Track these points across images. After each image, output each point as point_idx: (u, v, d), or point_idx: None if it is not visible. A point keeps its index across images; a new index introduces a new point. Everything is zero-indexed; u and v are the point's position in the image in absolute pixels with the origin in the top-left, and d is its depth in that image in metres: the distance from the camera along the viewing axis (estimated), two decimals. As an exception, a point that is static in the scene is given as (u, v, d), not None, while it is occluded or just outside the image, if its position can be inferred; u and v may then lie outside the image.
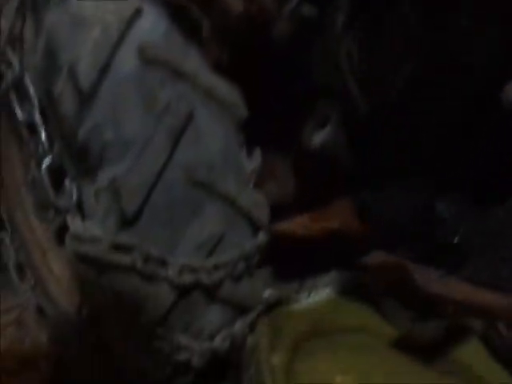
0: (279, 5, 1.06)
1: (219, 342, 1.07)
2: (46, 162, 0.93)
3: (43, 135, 0.93)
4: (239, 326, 1.11)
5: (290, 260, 1.66)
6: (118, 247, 0.92)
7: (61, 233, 1.39)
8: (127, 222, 0.91)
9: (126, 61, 0.91)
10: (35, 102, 0.94)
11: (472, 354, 1.10)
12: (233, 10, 1.03)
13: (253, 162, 1.12)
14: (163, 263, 0.93)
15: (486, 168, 1.04)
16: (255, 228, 1.07)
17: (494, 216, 1.03)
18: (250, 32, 1.06)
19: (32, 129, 0.96)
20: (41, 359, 1.48)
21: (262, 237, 1.08)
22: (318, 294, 1.36)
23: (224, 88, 1.00)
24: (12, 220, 1.40)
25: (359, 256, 1.71)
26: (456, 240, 1.06)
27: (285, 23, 1.09)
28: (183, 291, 0.97)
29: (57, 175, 0.95)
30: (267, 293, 1.26)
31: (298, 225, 2.08)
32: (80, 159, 0.92)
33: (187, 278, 0.94)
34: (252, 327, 1.17)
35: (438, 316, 1.17)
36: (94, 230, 0.93)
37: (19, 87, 0.96)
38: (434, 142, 1.06)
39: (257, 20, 1.06)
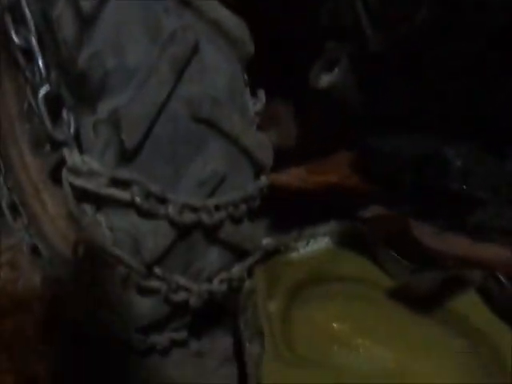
0: None
1: (217, 285, 1.06)
2: (43, 90, 0.88)
3: (40, 62, 0.89)
4: (237, 269, 1.10)
5: (289, 210, 1.66)
6: (117, 182, 0.90)
7: (56, 171, 1.36)
8: (127, 156, 0.88)
9: (130, -16, 0.86)
10: (32, 26, 0.89)
11: (469, 304, 1.11)
12: None
13: (257, 104, 1.08)
14: (163, 200, 0.91)
15: (497, 116, 1.01)
16: (258, 170, 1.05)
17: (503, 165, 1.01)
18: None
19: (28, 55, 0.91)
20: (34, 300, 1.47)
21: (264, 180, 1.06)
22: (317, 244, 1.36)
23: (231, 21, 0.96)
24: (6, 158, 1.37)
25: (358, 209, 1.71)
26: (464, 188, 1.05)
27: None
28: (183, 230, 0.95)
29: (54, 105, 0.91)
30: (266, 241, 1.26)
31: (294, 177, 2.08)
32: (79, 88, 0.88)
33: (188, 217, 0.92)
34: (250, 272, 1.17)
35: (437, 268, 1.16)
36: (92, 163, 0.90)
37: (15, 10, 0.90)
38: (445, 87, 1.03)
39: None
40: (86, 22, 0.83)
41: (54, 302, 1.37)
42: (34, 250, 1.41)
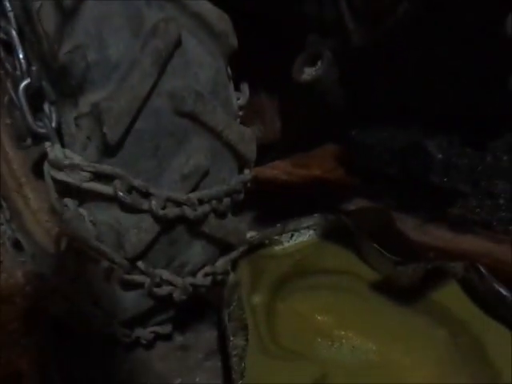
0: None
1: (201, 278, 1.06)
2: (24, 83, 0.87)
3: (21, 55, 0.87)
4: (221, 263, 1.10)
5: (274, 203, 1.66)
6: (99, 176, 0.89)
7: (39, 165, 1.35)
8: (109, 150, 0.87)
9: (111, -23, 0.85)
10: (12, 18, 0.87)
11: (450, 295, 1.13)
12: None
13: (241, 98, 1.08)
14: (146, 194, 0.90)
15: (478, 110, 1.02)
16: (241, 164, 1.05)
17: (483, 157, 1.03)
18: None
19: (9, 48, 0.89)
20: (16, 295, 1.46)
21: (247, 173, 1.06)
22: (301, 237, 1.37)
23: (214, 15, 0.95)
24: (-13, 152, 1.35)
25: (342, 202, 1.72)
26: (445, 180, 1.06)
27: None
28: (166, 225, 0.94)
29: (35, 99, 0.90)
30: (250, 234, 1.26)
31: (279, 170, 2.09)
32: (60, 82, 0.87)
33: (171, 211, 0.92)
34: (234, 266, 1.17)
35: (419, 260, 1.18)
36: (74, 157, 0.89)
37: (-6, 2, 0.89)
38: (427, 80, 1.04)
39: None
40: (67, 15, 0.82)
41: (36, 296, 1.37)
42: (17, 245, 1.40)
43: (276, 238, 1.34)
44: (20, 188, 1.35)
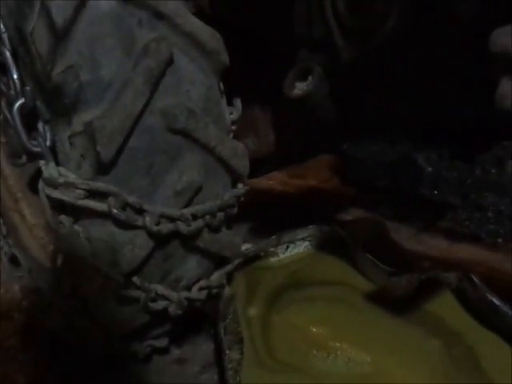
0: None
1: (196, 292, 1.07)
2: (18, 103, 0.89)
3: (15, 75, 0.89)
4: (216, 277, 1.11)
5: (269, 215, 1.67)
6: (93, 193, 0.90)
7: (34, 181, 1.36)
8: (103, 167, 0.88)
9: (103, -2, 0.86)
10: (5, 39, 0.89)
11: (444, 305, 1.13)
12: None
13: (234, 113, 1.09)
14: (140, 211, 0.91)
15: (466, 124, 1.04)
16: (234, 178, 1.06)
17: (473, 169, 1.04)
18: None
19: (2, 68, 0.91)
20: (14, 310, 1.47)
21: (241, 188, 1.07)
22: (296, 248, 1.37)
23: (205, 33, 0.96)
24: (-17, 168, 1.36)
25: (337, 212, 1.73)
26: (435, 193, 1.07)
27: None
28: (161, 240, 0.95)
29: (29, 118, 0.91)
30: (245, 246, 1.27)
31: (275, 181, 2.09)
32: (54, 101, 0.88)
33: (165, 227, 0.93)
34: (229, 279, 1.18)
35: (413, 270, 1.19)
36: (68, 175, 0.90)
37: (-13, 24, 0.90)
38: (415, 95, 1.05)
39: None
40: (60, 36, 0.83)
41: (33, 311, 1.37)
42: (13, 260, 1.41)
43: (271, 249, 1.35)
44: (16, 203, 1.36)
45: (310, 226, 1.37)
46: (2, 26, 0.89)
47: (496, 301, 1.04)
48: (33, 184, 1.37)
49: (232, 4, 1.13)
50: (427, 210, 1.16)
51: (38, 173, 1.27)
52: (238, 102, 1.10)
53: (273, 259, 1.35)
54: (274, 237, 1.34)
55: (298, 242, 1.37)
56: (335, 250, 1.33)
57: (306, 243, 1.38)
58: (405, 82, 1.05)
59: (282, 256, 1.36)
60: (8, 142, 0.97)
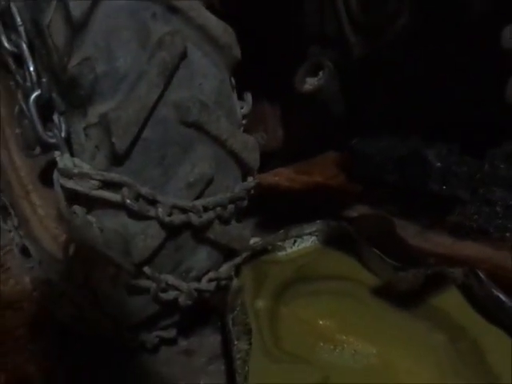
0: None
1: (205, 284, 1.08)
2: (34, 95, 0.90)
3: (31, 67, 0.90)
4: (225, 269, 1.13)
5: (276, 210, 1.69)
6: (107, 184, 0.91)
7: (46, 173, 1.38)
8: (117, 159, 0.90)
9: (118, -8, 0.88)
10: (22, 32, 0.90)
11: (450, 301, 1.14)
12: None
13: (244, 107, 1.11)
14: (153, 202, 0.93)
15: (476, 119, 1.05)
16: (245, 171, 1.07)
17: (482, 165, 1.05)
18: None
19: (19, 60, 0.92)
20: (24, 301, 1.48)
21: (251, 181, 1.08)
22: (303, 243, 1.39)
23: (218, 27, 0.98)
24: (-5, 160, 1.38)
25: (343, 209, 1.74)
26: (444, 188, 1.08)
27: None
28: (172, 231, 0.97)
29: (45, 109, 0.93)
30: (253, 240, 1.28)
31: (282, 177, 2.11)
32: (69, 93, 0.89)
33: (177, 218, 0.94)
34: (237, 272, 1.19)
35: (419, 265, 1.20)
36: (83, 166, 0.92)
37: (5, 16, 0.92)
38: (425, 91, 1.06)
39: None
40: (77, 29, 0.84)
41: (43, 302, 1.39)
42: (24, 251, 1.43)
43: (279, 243, 1.36)
44: (27, 195, 1.38)
45: (318, 221, 1.38)
46: (18, 19, 0.91)
47: (502, 296, 1.05)
48: (44, 176, 1.39)
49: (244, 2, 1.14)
50: (434, 206, 1.17)
51: (49, 165, 1.29)
52: (248, 97, 1.11)
53: (280, 253, 1.36)
54: (281, 231, 1.36)
55: (305, 237, 1.38)
56: (342, 245, 1.34)
57: (313, 238, 1.39)
58: (415, 77, 1.06)
59: (289, 250, 1.37)
60: (22, 133, 0.98)
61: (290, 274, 1.30)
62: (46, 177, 1.36)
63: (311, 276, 1.29)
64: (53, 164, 0.99)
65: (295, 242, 1.37)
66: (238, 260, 1.15)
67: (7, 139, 1.37)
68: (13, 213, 1.41)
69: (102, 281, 1.05)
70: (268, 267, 1.31)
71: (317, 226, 1.38)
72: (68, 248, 1.08)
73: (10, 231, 1.45)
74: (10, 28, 0.92)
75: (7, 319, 1.41)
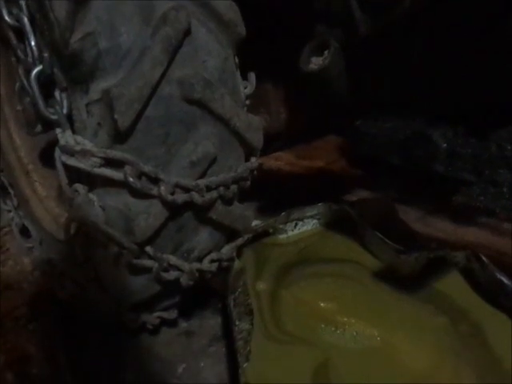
0: None
1: (207, 264, 1.08)
2: (36, 70, 0.89)
3: (32, 42, 0.89)
4: (227, 250, 1.12)
5: (278, 193, 1.68)
6: (109, 162, 0.90)
7: (46, 153, 1.37)
8: (120, 136, 0.89)
9: (121, -34, 0.86)
10: (23, 5, 0.89)
11: (452, 284, 1.14)
12: None
13: (248, 87, 1.10)
14: (156, 180, 0.92)
15: (482, 101, 1.04)
16: (248, 152, 1.06)
17: (488, 146, 1.04)
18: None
19: (20, 35, 0.90)
20: (23, 281, 1.48)
21: (254, 161, 1.07)
22: (305, 226, 1.38)
23: (223, 4, 0.96)
24: (-5, 139, 1.37)
25: (343, 193, 1.74)
26: (450, 169, 1.08)
27: None
28: (175, 210, 0.96)
29: (46, 86, 0.91)
30: (255, 223, 1.28)
31: (283, 161, 2.11)
32: (71, 69, 0.88)
33: (179, 197, 0.93)
34: (239, 253, 1.19)
35: (421, 249, 1.20)
36: (85, 143, 0.91)
37: (6, -11, 0.90)
38: (430, 72, 1.05)
39: None
40: (79, 3, 0.83)
41: (44, 282, 1.39)
42: (24, 231, 1.42)
43: (280, 226, 1.36)
44: (27, 175, 1.37)
45: (319, 204, 1.38)
46: (19, -7, 0.89)
47: (504, 279, 1.05)
48: (44, 156, 1.37)
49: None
50: (437, 190, 1.16)
51: (50, 144, 1.28)
52: (252, 76, 1.10)
53: (281, 236, 1.36)
54: (283, 214, 1.35)
55: (306, 220, 1.38)
56: (343, 228, 1.34)
57: (315, 221, 1.39)
58: (420, 58, 1.05)
59: (290, 233, 1.37)
60: (24, 110, 0.97)
61: (292, 257, 1.30)
62: (46, 156, 1.35)
63: (312, 258, 1.29)
64: (53, 143, 0.98)
65: (296, 224, 1.37)
66: (239, 241, 1.15)
67: (7, 118, 1.35)
68: (12, 193, 1.40)
69: (103, 260, 1.05)
70: (269, 250, 1.31)
71: (318, 208, 1.37)
72: (69, 227, 1.07)
73: (9, 211, 1.44)
74: (11, 1, 0.90)
75: (6, 300, 1.41)
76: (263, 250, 1.30)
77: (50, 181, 1.34)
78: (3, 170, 1.40)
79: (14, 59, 0.96)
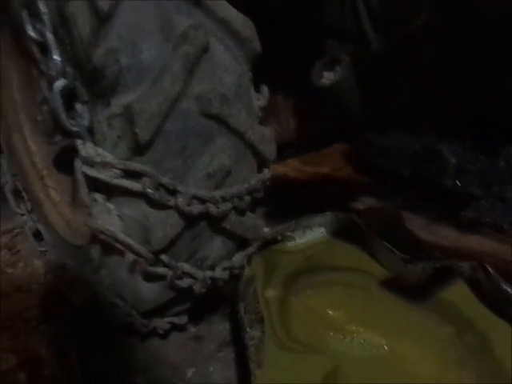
0: None
1: (219, 272, 1.10)
2: (59, 83, 0.91)
3: (56, 56, 0.91)
4: (238, 258, 1.15)
5: (284, 200, 1.70)
6: (129, 173, 0.93)
7: (60, 159, 1.39)
8: (139, 149, 0.91)
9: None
10: (47, 21, 0.91)
11: (458, 293, 1.16)
12: None
13: (261, 99, 1.12)
14: (173, 192, 0.94)
15: (491, 116, 1.06)
16: (261, 163, 1.09)
17: (497, 162, 1.06)
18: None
19: (43, 49, 0.93)
20: (34, 283, 1.51)
21: (266, 172, 1.10)
22: (313, 234, 1.40)
23: (239, 21, 0.99)
24: (10, 144, 1.39)
25: (349, 201, 1.76)
26: (458, 184, 1.10)
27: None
28: (191, 220, 0.99)
29: (68, 98, 0.94)
30: (264, 230, 1.30)
31: (290, 167, 2.13)
32: (93, 83, 0.90)
33: (196, 208, 0.96)
34: (249, 261, 1.21)
35: (428, 258, 1.22)
36: (105, 155, 0.93)
37: (30, 4, 0.92)
38: (441, 87, 1.07)
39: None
40: (103, 20, 0.85)
41: (56, 285, 1.41)
42: (37, 235, 1.44)
43: (289, 234, 1.38)
44: (41, 180, 1.39)
45: (327, 213, 1.40)
46: (43, 8, 0.91)
47: (510, 290, 1.06)
48: (58, 161, 1.40)
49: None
50: (448, 201, 1.19)
51: (64, 151, 1.31)
52: (265, 90, 1.12)
53: (290, 243, 1.38)
54: (291, 222, 1.37)
55: (314, 228, 1.40)
56: (351, 237, 1.36)
57: (323, 229, 1.41)
58: (431, 74, 1.07)
59: (298, 240, 1.39)
60: (43, 120, 0.99)
61: (300, 264, 1.31)
62: (60, 162, 1.37)
63: (320, 267, 1.31)
64: (67, 150, 1.00)
65: (304, 232, 1.39)
66: (250, 249, 1.17)
67: (21, 124, 1.38)
68: (26, 197, 1.42)
69: (118, 267, 1.07)
70: (278, 257, 1.33)
71: (326, 217, 1.40)
72: (86, 234, 1.10)
73: (22, 215, 1.47)
74: (35, 16, 0.92)
75: (16, 301, 1.43)
76: (272, 257, 1.33)
77: (63, 186, 1.36)
78: (17, 175, 1.42)
79: (35, 71, 0.98)
